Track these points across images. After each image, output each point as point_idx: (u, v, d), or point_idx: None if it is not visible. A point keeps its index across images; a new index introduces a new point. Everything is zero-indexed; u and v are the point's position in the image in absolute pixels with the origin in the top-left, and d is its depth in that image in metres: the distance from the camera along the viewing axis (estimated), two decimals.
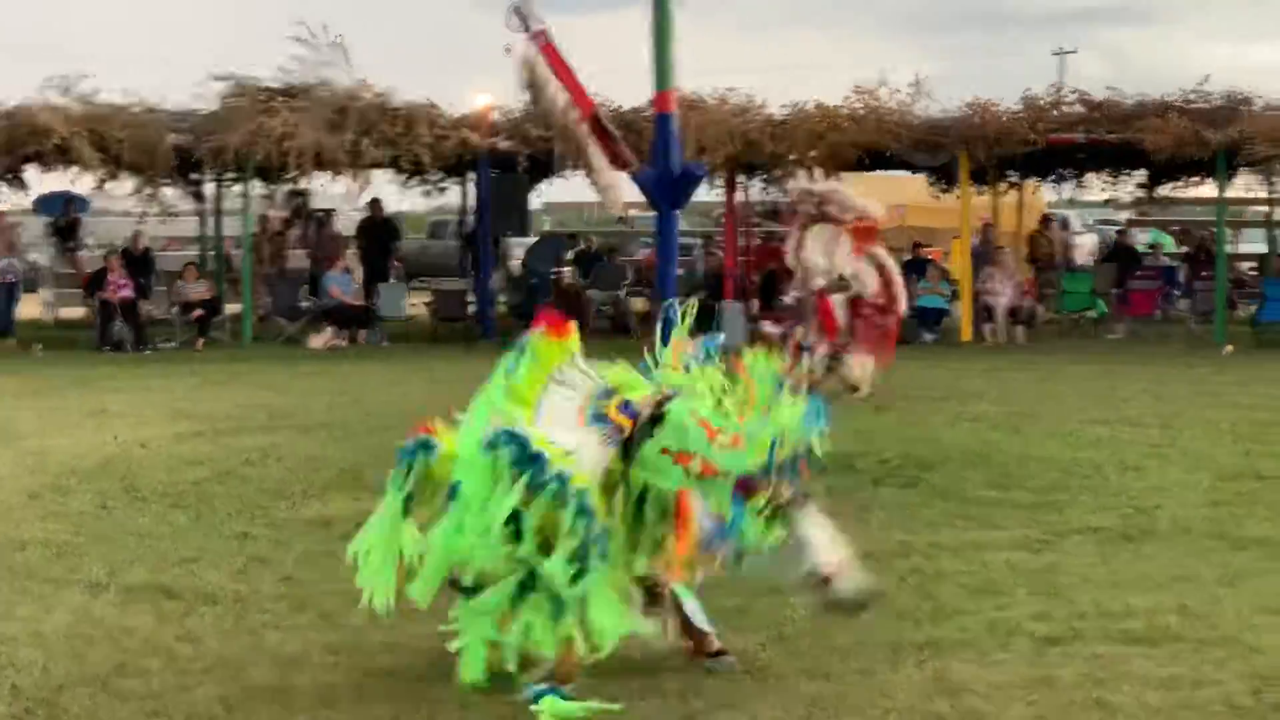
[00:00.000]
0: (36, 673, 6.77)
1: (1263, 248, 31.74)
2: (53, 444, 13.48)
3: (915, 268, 26.27)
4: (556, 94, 11.66)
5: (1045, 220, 30.48)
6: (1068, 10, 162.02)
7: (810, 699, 6.32)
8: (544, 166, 25.97)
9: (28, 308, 26.92)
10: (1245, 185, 28.28)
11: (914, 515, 10.17)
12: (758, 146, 25.48)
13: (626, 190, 12.78)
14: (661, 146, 12.06)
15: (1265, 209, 31.07)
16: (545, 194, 31.27)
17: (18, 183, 26.41)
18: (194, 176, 27.15)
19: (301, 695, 6.47)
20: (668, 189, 12.19)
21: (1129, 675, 6.63)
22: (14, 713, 6.24)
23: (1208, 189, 28.44)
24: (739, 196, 28.65)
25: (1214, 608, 7.73)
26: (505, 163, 25.64)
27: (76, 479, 11.64)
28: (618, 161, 12.27)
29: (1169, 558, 8.90)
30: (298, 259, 29.43)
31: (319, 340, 24.56)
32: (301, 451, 12.94)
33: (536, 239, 30.51)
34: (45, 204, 32.97)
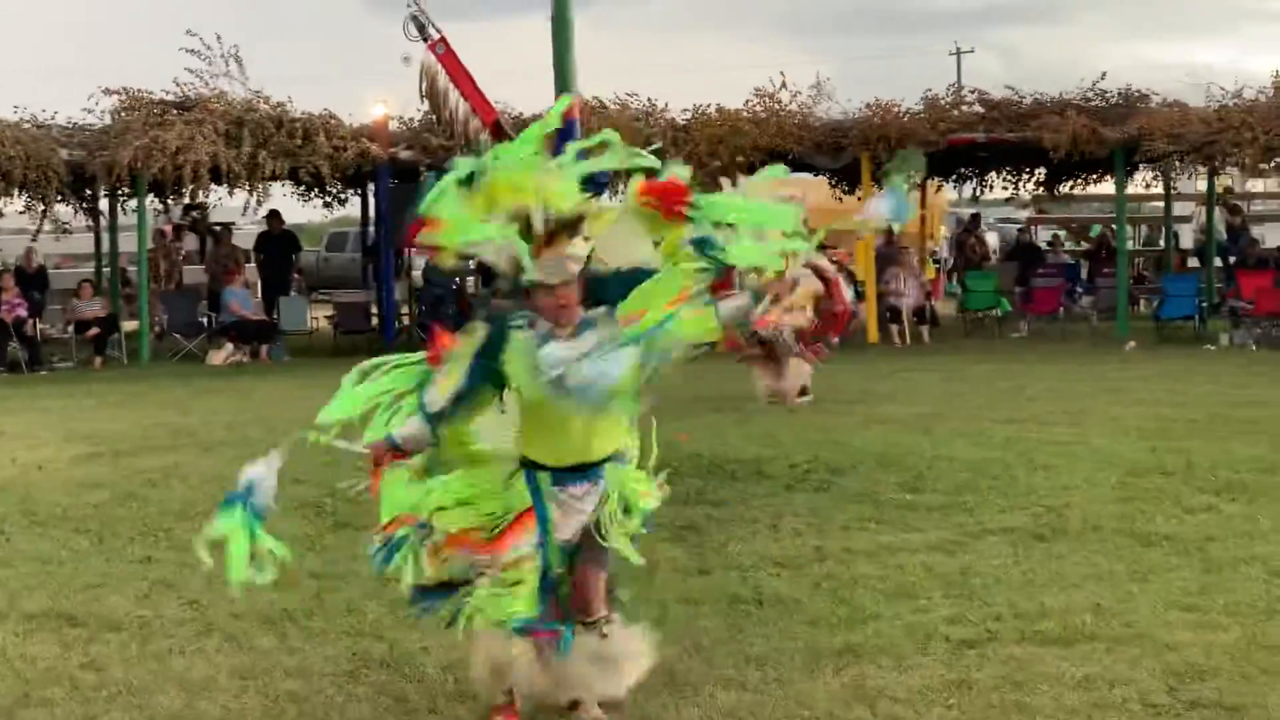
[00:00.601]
0: None
1: (1162, 243, 32.17)
2: None
3: None
4: (457, 102, 11.61)
5: (975, 220, 30.60)
6: (965, 10, 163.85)
7: (728, 710, 6.30)
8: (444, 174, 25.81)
9: None
10: (1143, 181, 28.64)
11: (827, 520, 10.17)
12: (661, 152, 25.45)
13: None
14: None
15: (1162, 205, 31.42)
16: None
17: None
18: (88, 192, 26.79)
19: None
20: None
21: (1046, 676, 6.66)
22: None
23: (1107, 186, 28.85)
24: None
25: (1127, 605, 7.78)
26: (406, 172, 25.54)
27: None
28: None
29: (1081, 556, 8.96)
30: (195, 274, 29.19)
31: (219, 357, 24.32)
32: (205, 470, 12.77)
33: None
34: None
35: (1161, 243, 31.38)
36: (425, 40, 11.59)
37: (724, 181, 6.53)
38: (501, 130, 12.13)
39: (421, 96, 11.94)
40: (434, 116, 12.28)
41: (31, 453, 14.03)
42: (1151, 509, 10.24)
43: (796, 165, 27.46)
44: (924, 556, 9.00)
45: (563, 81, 12.04)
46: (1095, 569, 8.64)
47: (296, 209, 29.91)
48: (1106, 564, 8.75)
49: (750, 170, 23.09)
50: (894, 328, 25.08)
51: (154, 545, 9.90)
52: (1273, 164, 25.91)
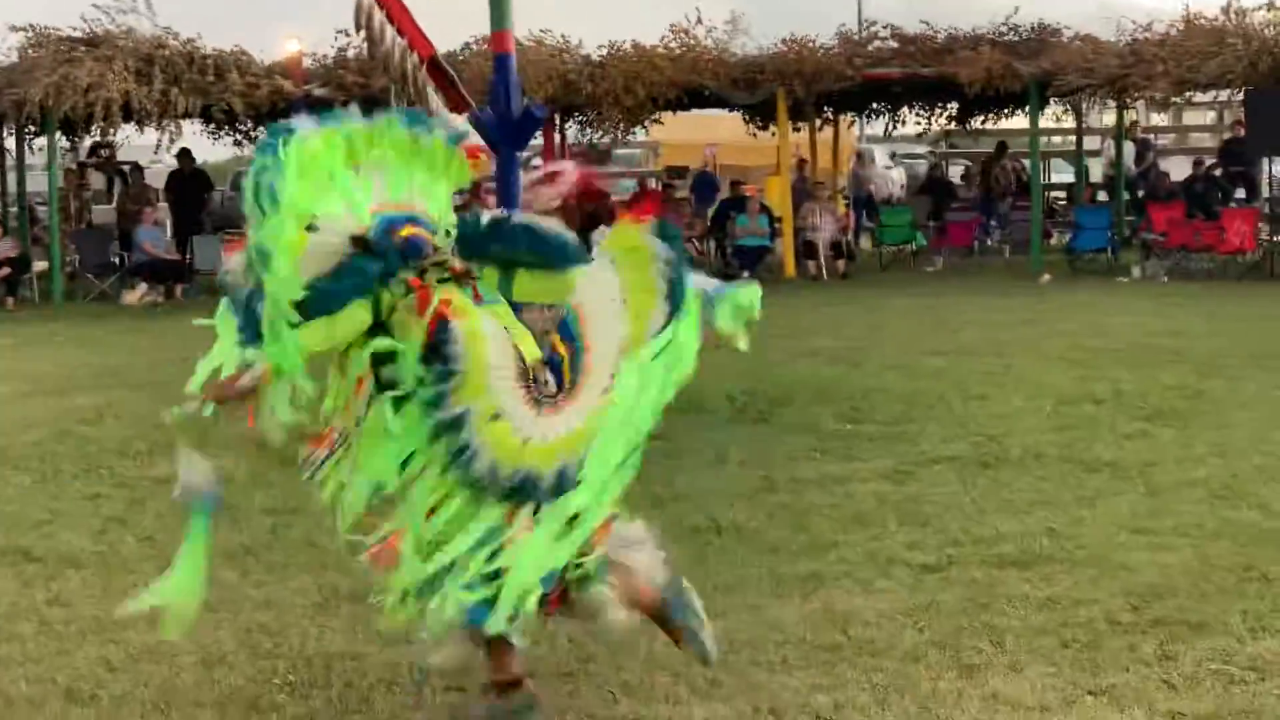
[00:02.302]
0: None
1: (1071, 178, 32.45)
2: None
3: (735, 205, 26.50)
4: (394, 39, 11.54)
5: (1001, 149, 30.38)
6: None
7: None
8: (362, 112, 25.65)
9: None
10: (1054, 115, 28.90)
11: (771, 451, 10.26)
12: (575, 87, 25.46)
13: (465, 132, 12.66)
14: (501, 88, 11.93)
15: (1073, 139, 31.70)
16: None
17: None
18: None
19: (184, 654, 6.38)
20: (509, 131, 12.08)
21: (1010, 597, 6.80)
22: None
23: (1017, 121, 29.10)
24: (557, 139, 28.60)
25: (1079, 529, 7.95)
26: (321, 109, 25.25)
27: None
28: (456, 105, 12.19)
29: (1026, 483, 9.12)
30: (103, 214, 28.83)
31: (132, 296, 24.09)
32: (137, 410, 12.66)
33: None
34: None
35: (1072, 177, 31.66)
36: None
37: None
38: (438, 66, 12.08)
39: (357, 30, 11.84)
40: (370, 52, 12.17)
41: None
42: (1089, 436, 10.42)
43: (712, 101, 27.58)
44: (874, 485, 9.13)
45: (498, 15, 11.99)
46: (1042, 495, 8.80)
47: (205, 147, 29.62)
48: (1053, 490, 8.92)
49: (668, 107, 22.86)
50: (811, 262, 25.23)
51: (100, 482, 9.85)
52: (1182, 98, 26.27)
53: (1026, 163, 28.77)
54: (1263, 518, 8.11)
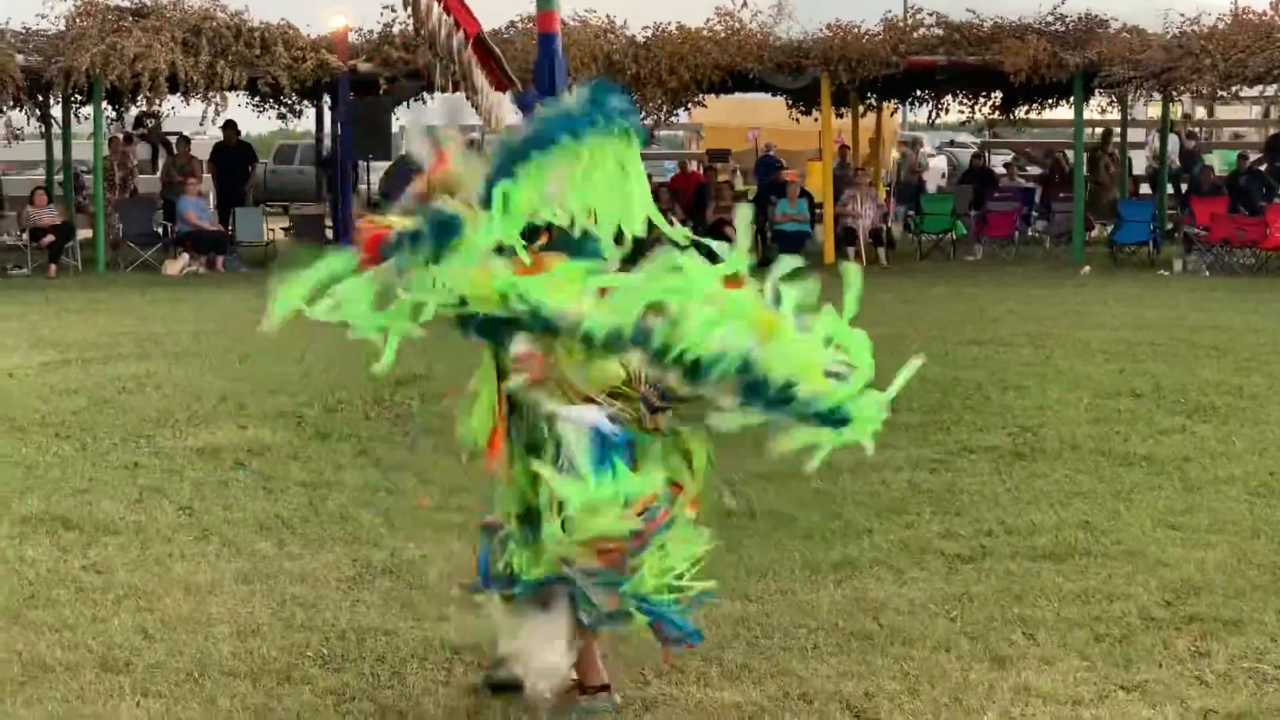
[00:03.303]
0: None
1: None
2: None
3: (775, 190, 26.42)
4: (440, 16, 11.53)
5: (1107, 137, 29.80)
6: None
7: (736, 619, 6.38)
8: (407, 89, 25.75)
9: None
10: (1099, 107, 28.72)
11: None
12: (620, 68, 25.39)
13: (509, 112, 12.64)
14: (546, 67, 11.92)
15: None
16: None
17: None
18: (39, 98, 26.47)
19: (220, 624, 6.42)
20: None
21: (1044, 590, 6.78)
22: None
23: (1062, 111, 28.92)
24: None
25: (1115, 523, 7.92)
26: (365, 85, 25.37)
27: None
28: (500, 84, 12.18)
29: (1062, 475, 9.09)
30: (147, 184, 28.90)
31: (175, 267, 24.13)
32: (177, 379, 12.75)
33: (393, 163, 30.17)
34: None
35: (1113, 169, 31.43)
36: None
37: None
38: (483, 44, 12.07)
39: (404, 6, 11.84)
40: (415, 29, 12.17)
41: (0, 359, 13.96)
42: (1126, 429, 10.37)
43: (756, 85, 27.49)
44: (908, 474, 9.10)
45: None
46: (1078, 487, 8.77)
47: (250, 120, 29.67)
48: (1089, 483, 8.88)
49: (712, 89, 22.74)
50: (850, 249, 25.11)
51: (138, 451, 9.89)
52: (1229, 92, 26.05)
53: (1133, 153, 28.24)
54: None
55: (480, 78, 11.97)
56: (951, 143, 44.53)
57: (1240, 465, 9.30)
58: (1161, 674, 5.77)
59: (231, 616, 6.52)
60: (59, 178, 28.43)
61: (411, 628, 6.35)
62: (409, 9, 11.63)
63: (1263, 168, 27.38)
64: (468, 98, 12.45)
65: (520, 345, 5.16)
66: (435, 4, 11.55)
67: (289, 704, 5.51)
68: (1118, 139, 29.39)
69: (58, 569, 7.23)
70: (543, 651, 5.16)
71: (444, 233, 4.91)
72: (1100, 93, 26.61)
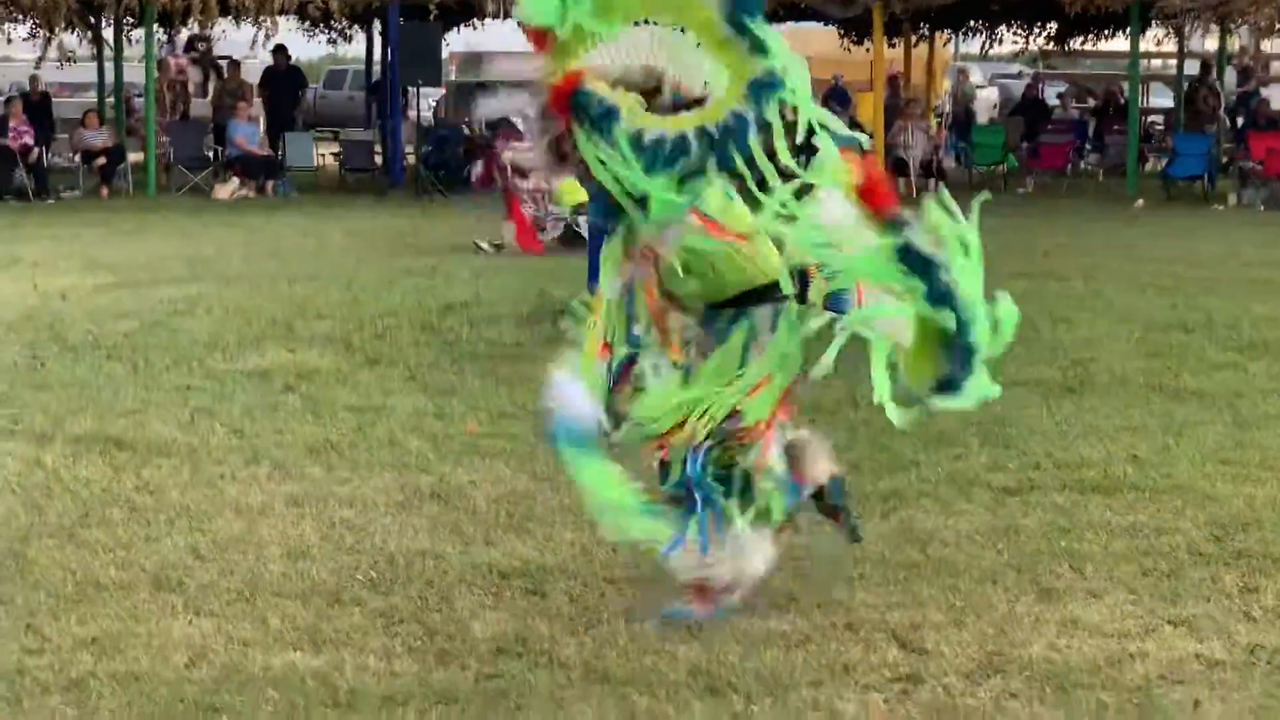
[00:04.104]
0: None
1: (1170, 103, 31.94)
2: None
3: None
4: None
5: (1205, 70, 28.98)
6: None
7: (782, 550, 6.37)
8: (455, 15, 25.71)
9: None
10: (1155, 39, 28.44)
11: (854, 368, 10.18)
12: None
13: None
14: None
15: (1173, 64, 31.16)
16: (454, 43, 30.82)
17: None
18: (93, 21, 26.52)
19: (271, 545, 6.47)
20: None
21: (1092, 524, 6.77)
22: None
23: (1117, 43, 28.63)
24: None
25: (1164, 457, 7.88)
26: (415, 10, 25.29)
27: (1, 329, 11.47)
28: None
29: (1112, 408, 9.05)
30: (198, 108, 28.96)
31: (225, 190, 24.21)
32: (227, 302, 12.81)
33: (445, 90, 30.16)
34: None
35: (1171, 102, 31.11)
36: None
37: None
38: None
39: None
40: None
41: (52, 280, 14.05)
42: (1177, 365, 10.31)
43: (808, 15, 27.32)
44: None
45: None
46: (1128, 421, 8.73)
47: (300, 44, 29.68)
48: (1139, 417, 8.84)
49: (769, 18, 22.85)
50: (901, 180, 24.98)
51: (189, 374, 9.95)
52: None
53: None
54: None
55: None
56: (1008, 74, 44.10)
57: None
58: (1209, 609, 5.75)
59: (281, 538, 6.57)
60: (110, 100, 28.49)
61: (460, 552, 6.38)
62: None
63: None
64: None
65: (646, 236, 5.28)
66: None
67: (339, 625, 5.56)
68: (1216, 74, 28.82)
69: (111, 489, 7.30)
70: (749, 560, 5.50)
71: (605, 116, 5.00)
72: (1157, 24, 26.32)
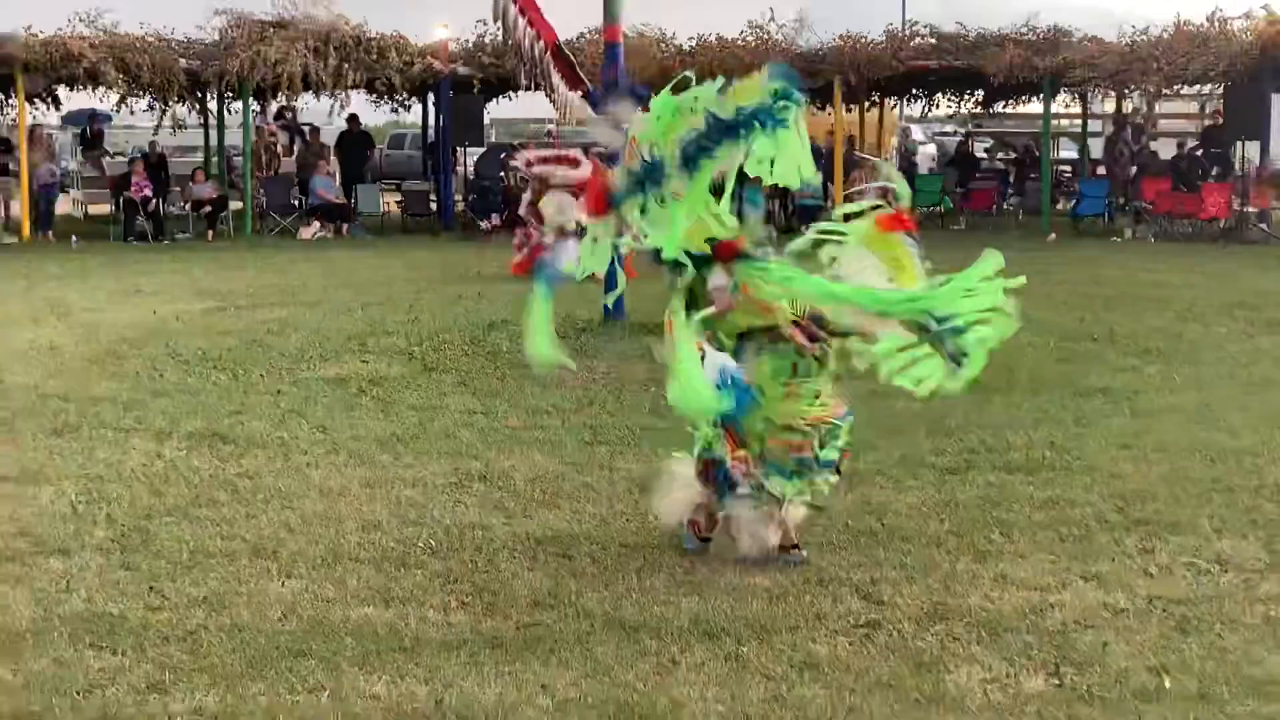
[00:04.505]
0: (125, 505, 6.70)
1: (1075, 155, 31.88)
2: (101, 318, 13.25)
3: None
4: (525, 27, 11.49)
5: (1119, 123, 27.62)
6: None
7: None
8: (495, 89, 25.74)
9: (60, 206, 26.25)
10: (1063, 103, 28.36)
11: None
12: (670, 72, 25.19)
13: (580, 108, 12.59)
14: (610, 70, 11.87)
15: (1079, 123, 31.07)
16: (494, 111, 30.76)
17: (52, 100, 25.83)
18: (198, 95, 26.54)
19: (348, 520, 6.45)
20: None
21: (1018, 497, 6.75)
22: (113, 536, 6.18)
23: (1032, 107, 28.54)
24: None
25: (1076, 444, 7.86)
26: (463, 85, 25.30)
27: (127, 346, 11.45)
28: (575, 84, 12.14)
29: (1033, 404, 9.01)
30: (286, 166, 28.93)
31: (308, 232, 24.15)
32: (311, 323, 12.78)
33: (485, 149, 30.05)
34: (71, 118, 32.28)
35: (1076, 154, 31.02)
36: None
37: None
38: (560, 52, 12.03)
39: (494, 20, 11.81)
40: (503, 38, 12.11)
41: (168, 306, 14.01)
42: (1086, 368, 10.29)
43: None
44: (904, 402, 8.93)
45: (611, 11, 11.90)
46: (1046, 414, 8.70)
47: (368, 113, 29.63)
48: (1055, 411, 8.80)
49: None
50: None
51: (280, 381, 9.93)
52: (1172, 91, 25.70)
53: (1091, 140, 27.80)
54: (1230, 439, 7.98)
55: (557, 79, 11.95)
56: (945, 133, 43.99)
57: (1180, 396, 9.23)
58: (1114, 567, 5.73)
59: (357, 514, 6.55)
60: (215, 160, 28.47)
61: (503, 524, 6.37)
62: (499, 23, 11.60)
63: (1199, 153, 26.94)
64: (546, 95, 12.42)
65: (717, 279, 5.47)
66: (520, 18, 11.51)
67: (405, 584, 5.54)
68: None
69: (217, 475, 7.28)
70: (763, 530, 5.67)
71: (652, 175, 5.23)
72: (1065, 91, 26.26)
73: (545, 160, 16.36)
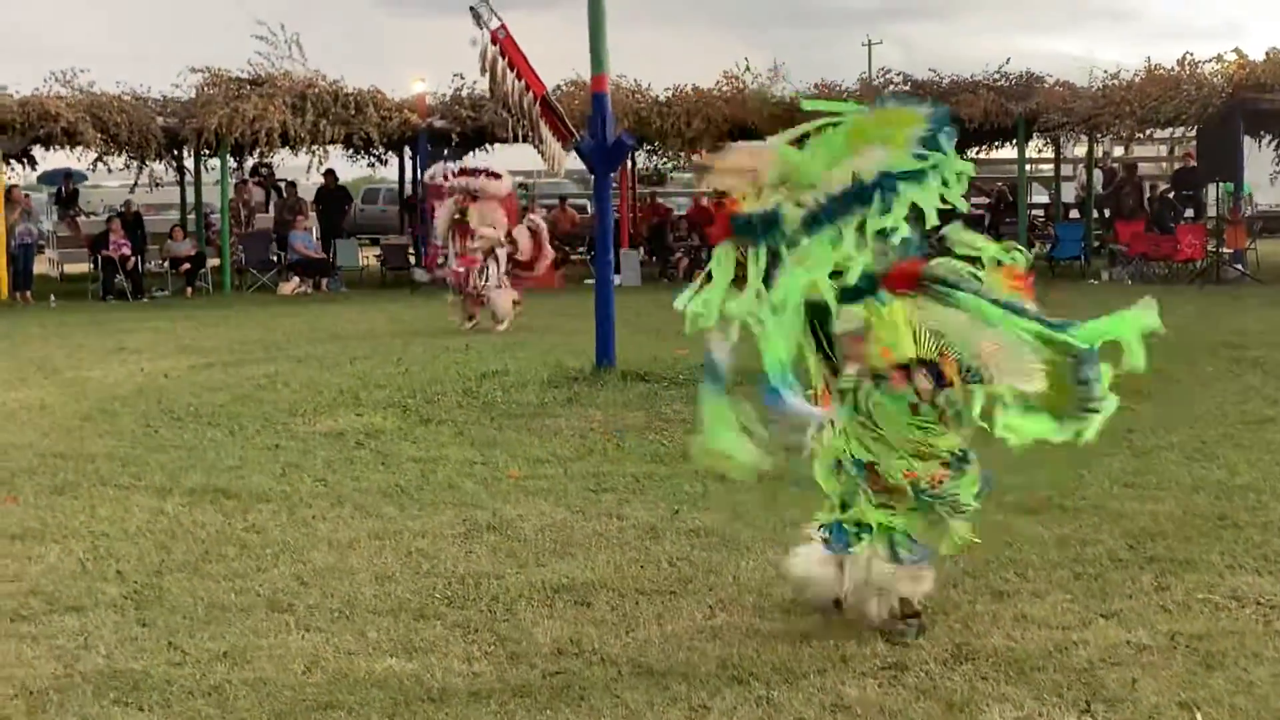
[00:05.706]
0: (134, 561, 6.66)
1: (1045, 199, 32.24)
2: (88, 375, 13.21)
3: None
4: (513, 80, 11.56)
5: (1131, 169, 28.28)
6: (865, 8, 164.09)
7: (775, 563, 6.34)
8: (472, 141, 25.86)
9: (36, 266, 26.18)
10: (1036, 147, 28.64)
11: None
12: (646, 122, 25.43)
13: (566, 158, 12.68)
14: (598, 120, 11.94)
15: (1052, 167, 31.39)
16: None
17: (28, 160, 25.84)
18: (176, 153, 26.58)
19: (360, 572, 6.42)
20: (604, 156, 12.10)
21: (1029, 538, 6.75)
22: (125, 593, 6.13)
23: (1005, 152, 28.83)
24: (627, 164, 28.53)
25: (1079, 483, 7.87)
26: (440, 138, 25.40)
27: (118, 403, 11.40)
28: (562, 135, 12.21)
29: (1030, 445, 8.99)
30: (263, 221, 28.96)
31: (288, 287, 24.20)
32: (301, 377, 12.76)
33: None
34: (46, 178, 32.30)
35: (1047, 198, 31.35)
36: (486, 28, 11.50)
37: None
38: (548, 103, 12.10)
39: (482, 73, 11.87)
40: (491, 90, 12.18)
41: (155, 363, 13.99)
42: None
43: (756, 135, 27.42)
44: None
45: (597, 61, 11.98)
46: (1044, 456, 8.67)
47: (345, 168, 29.72)
48: (1052, 452, 8.78)
49: (720, 139, 22.81)
50: None
51: (277, 435, 9.90)
52: (1144, 134, 26.01)
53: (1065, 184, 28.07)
54: (1229, 476, 8.03)
55: (545, 130, 12.01)
56: None
57: (1175, 435, 9.27)
58: (1132, 604, 5.75)
59: (369, 566, 6.52)
60: (192, 216, 28.48)
61: (517, 572, 6.34)
62: (487, 74, 11.66)
63: (1172, 195, 27.26)
64: (535, 146, 12.49)
65: (846, 326, 5.35)
66: (509, 70, 11.58)
67: (425, 635, 5.51)
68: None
69: (224, 530, 7.24)
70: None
71: (770, 224, 5.05)
72: (1038, 135, 26.55)
73: (465, 173, 16.59)
